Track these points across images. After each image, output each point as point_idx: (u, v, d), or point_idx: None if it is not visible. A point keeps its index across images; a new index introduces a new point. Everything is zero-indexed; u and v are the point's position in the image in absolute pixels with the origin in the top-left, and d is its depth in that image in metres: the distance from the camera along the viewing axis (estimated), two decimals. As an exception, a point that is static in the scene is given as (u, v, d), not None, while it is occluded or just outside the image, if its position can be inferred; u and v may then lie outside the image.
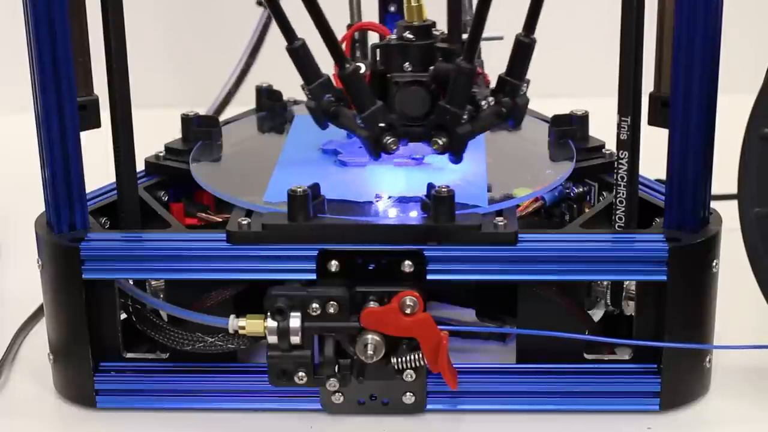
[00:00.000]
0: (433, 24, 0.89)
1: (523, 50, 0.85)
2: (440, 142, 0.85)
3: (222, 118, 1.16)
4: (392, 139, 0.86)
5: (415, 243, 0.83)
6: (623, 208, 0.85)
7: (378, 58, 0.88)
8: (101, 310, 0.86)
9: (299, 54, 0.84)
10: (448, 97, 0.84)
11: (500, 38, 0.85)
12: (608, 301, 0.89)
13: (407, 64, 0.87)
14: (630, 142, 0.84)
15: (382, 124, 0.85)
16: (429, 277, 0.83)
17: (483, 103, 0.85)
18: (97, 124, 0.88)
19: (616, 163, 0.85)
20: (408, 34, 0.87)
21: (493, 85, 0.88)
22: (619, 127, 0.84)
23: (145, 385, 0.87)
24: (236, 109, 1.23)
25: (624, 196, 0.85)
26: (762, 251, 0.83)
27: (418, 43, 0.87)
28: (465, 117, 0.84)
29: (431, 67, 0.86)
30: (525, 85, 0.86)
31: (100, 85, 0.87)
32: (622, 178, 0.85)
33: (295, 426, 0.86)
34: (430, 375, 0.84)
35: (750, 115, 0.81)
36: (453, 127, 0.85)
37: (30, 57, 0.83)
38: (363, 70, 0.87)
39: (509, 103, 0.86)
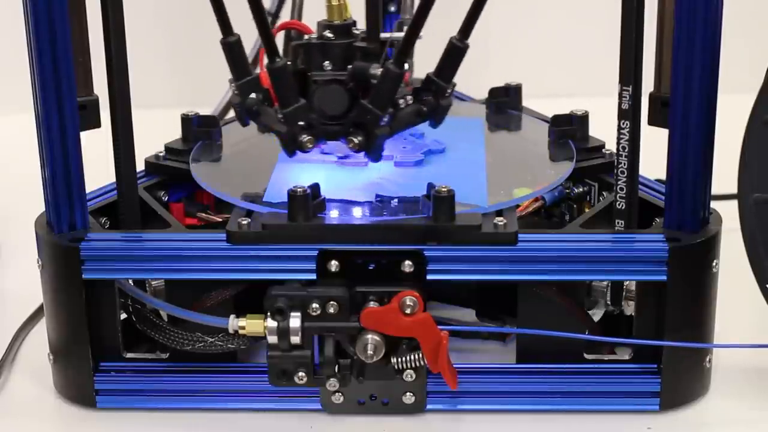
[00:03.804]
0: (354, 23, 0.88)
1: (455, 54, 0.84)
2: (356, 140, 0.85)
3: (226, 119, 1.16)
4: (308, 138, 0.85)
5: (415, 243, 0.83)
6: (623, 186, 0.85)
7: (298, 57, 0.88)
8: (101, 310, 0.86)
9: (233, 49, 0.84)
10: (371, 97, 0.84)
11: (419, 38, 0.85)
12: (608, 301, 0.89)
13: (327, 62, 0.86)
14: (632, 115, 0.84)
15: (301, 123, 0.85)
16: (429, 277, 0.83)
17: (400, 101, 0.85)
18: (97, 124, 0.88)
19: (617, 134, 0.85)
20: (328, 33, 0.87)
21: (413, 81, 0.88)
22: (620, 96, 0.84)
23: (145, 385, 0.87)
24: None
25: (624, 167, 0.85)
26: (759, 236, 0.83)
27: (337, 42, 0.87)
28: (385, 119, 0.84)
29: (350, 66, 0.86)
30: (451, 88, 0.85)
31: (100, 85, 0.87)
32: (623, 148, 0.85)
33: (295, 426, 0.86)
34: (430, 375, 0.84)
35: (755, 101, 0.81)
36: (372, 127, 0.85)
37: (30, 57, 0.83)
38: None
39: (432, 103, 0.85)
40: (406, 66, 0.83)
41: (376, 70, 0.83)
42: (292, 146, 0.86)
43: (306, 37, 0.88)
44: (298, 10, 1.16)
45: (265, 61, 0.83)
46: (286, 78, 0.84)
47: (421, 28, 0.82)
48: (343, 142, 0.86)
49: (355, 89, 0.85)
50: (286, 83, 0.84)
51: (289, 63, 0.84)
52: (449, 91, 0.85)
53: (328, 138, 0.86)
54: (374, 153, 0.86)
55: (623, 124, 0.84)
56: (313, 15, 0.91)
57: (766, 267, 0.84)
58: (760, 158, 0.82)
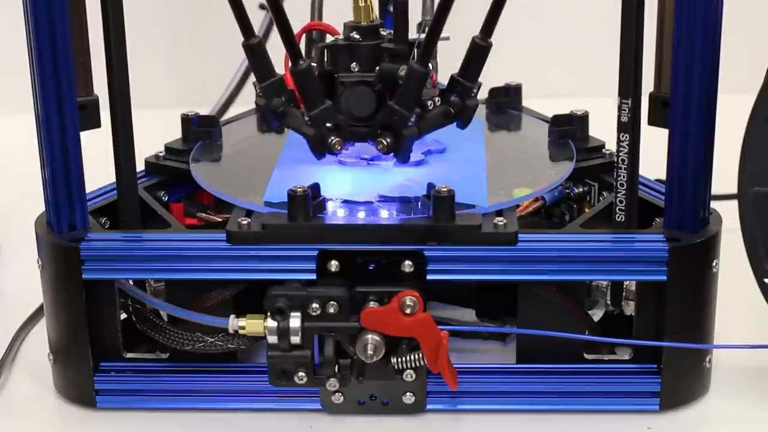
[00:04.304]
0: (381, 24, 0.88)
1: (478, 53, 0.84)
2: (385, 142, 0.85)
3: (223, 118, 1.16)
4: (337, 139, 0.85)
5: (415, 243, 0.83)
6: (622, 198, 0.85)
7: (326, 59, 0.88)
8: (101, 310, 0.86)
9: (255, 51, 0.84)
10: (398, 97, 0.84)
11: (446, 38, 0.85)
12: (608, 301, 0.89)
13: (354, 64, 0.86)
14: (631, 127, 0.84)
15: (328, 125, 0.85)
16: (429, 277, 0.83)
17: (429, 103, 0.85)
18: (97, 124, 0.88)
19: (616, 146, 0.85)
20: (355, 35, 0.87)
21: (439, 83, 0.88)
22: (619, 109, 0.84)
23: (145, 385, 0.87)
24: (237, 109, 1.23)
25: (623, 180, 0.85)
26: (758, 231, 0.83)
27: (364, 44, 0.87)
28: (413, 119, 0.84)
29: (377, 68, 0.86)
30: (476, 87, 0.85)
31: (100, 85, 0.87)
32: (623, 161, 0.85)
33: (295, 426, 0.86)
34: (430, 375, 0.84)
35: (755, 101, 0.81)
36: (399, 127, 0.85)
37: (30, 57, 0.83)
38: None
39: (459, 104, 0.85)
40: (431, 65, 0.83)
41: (404, 71, 0.83)
42: (320, 148, 0.86)
43: (332, 38, 0.88)
44: (318, 11, 1.16)
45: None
46: (310, 80, 0.84)
47: (442, 28, 0.82)
48: (372, 144, 0.86)
49: (382, 90, 0.85)
50: (311, 85, 0.84)
51: (313, 65, 0.84)
52: (475, 90, 0.85)
53: (356, 140, 0.87)
54: (402, 154, 0.86)
55: (623, 137, 0.84)
56: (331, 15, 0.91)
57: (765, 262, 0.84)
58: (760, 153, 0.82)
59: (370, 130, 0.86)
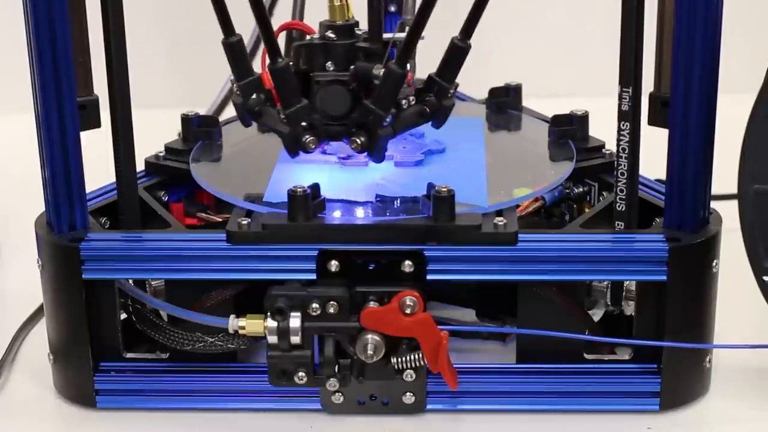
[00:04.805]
0: (356, 24, 0.88)
1: (456, 54, 0.84)
2: (359, 141, 0.85)
3: (222, 118, 1.16)
4: (311, 138, 0.85)
5: (415, 243, 0.83)
6: (623, 187, 0.85)
7: (301, 58, 0.88)
8: (101, 310, 0.86)
9: (235, 49, 0.84)
10: (374, 97, 0.84)
11: (421, 38, 0.85)
12: (608, 301, 0.89)
13: (329, 63, 0.86)
14: (632, 116, 0.84)
15: (304, 123, 0.85)
16: (429, 277, 0.83)
17: (403, 102, 0.85)
18: (97, 124, 0.88)
19: (617, 136, 0.85)
20: (330, 34, 0.87)
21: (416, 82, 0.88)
22: (620, 97, 0.84)
23: (145, 385, 0.87)
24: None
25: (624, 169, 0.85)
26: (758, 228, 0.83)
27: (339, 43, 0.87)
28: (388, 120, 0.84)
29: (352, 67, 0.86)
30: (453, 88, 0.85)
31: (100, 85, 0.87)
32: (624, 150, 0.85)
33: (295, 426, 0.86)
34: (430, 375, 0.84)
35: (755, 100, 0.81)
36: (374, 127, 0.85)
37: (30, 56, 0.83)
38: None
39: (435, 104, 0.85)
40: (408, 66, 0.83)
41: (379, 70, 0.83)
42: (294, 147, 0.86)
43: (308, 37, 0.88)
44: (299, 10, 1.16)
45: (267, 61, 0.83)
46: (288, 78, 0.84)
47: (423, 29, 0.82)
48: (346, 143, 0.86)
49: (357, 90, 0.85)
50: (288, 84, 0.84)
51: (291, 63, 0.84)
52: (452, 91, 0.85)
53: (331, 138, 0.87)
54: (377, 153, 0.86)
55: (623, 125, 0.84)
56: (314, 15, 0.91)
57: (764, 260, 0.84)
58: (760, 153, 0.82)
59: (345, 129, 0.85)
